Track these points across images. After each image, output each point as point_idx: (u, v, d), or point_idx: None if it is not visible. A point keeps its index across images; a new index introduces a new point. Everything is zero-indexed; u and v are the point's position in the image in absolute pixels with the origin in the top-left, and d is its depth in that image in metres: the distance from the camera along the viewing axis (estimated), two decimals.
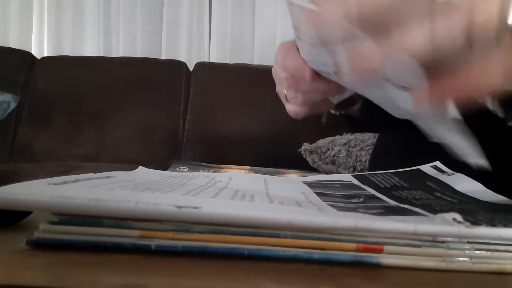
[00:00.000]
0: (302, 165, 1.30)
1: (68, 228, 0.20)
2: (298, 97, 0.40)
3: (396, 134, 0.45)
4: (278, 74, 0.42)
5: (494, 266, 0.20)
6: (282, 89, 0.42)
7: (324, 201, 0.28)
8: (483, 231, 0.19)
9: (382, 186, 0.36)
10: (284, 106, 0.43)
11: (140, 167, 0.42)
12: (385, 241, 0.20)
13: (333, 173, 1.23)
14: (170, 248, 0.20)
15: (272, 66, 0.43)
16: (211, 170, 0.84)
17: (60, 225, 0.20)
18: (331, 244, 0.20)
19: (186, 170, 0.87)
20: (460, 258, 0.20)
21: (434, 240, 0.20)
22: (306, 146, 1.36)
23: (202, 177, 0.38)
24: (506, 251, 0.20)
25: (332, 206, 0.26)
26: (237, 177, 0.40)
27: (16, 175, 1.10)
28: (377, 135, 0.66)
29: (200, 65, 1.75)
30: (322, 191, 0.34)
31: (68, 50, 1.93)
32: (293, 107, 0.42)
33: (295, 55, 0.37)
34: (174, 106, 1.66)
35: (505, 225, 0.20)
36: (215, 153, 1.56)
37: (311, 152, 1.34)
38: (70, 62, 1.72)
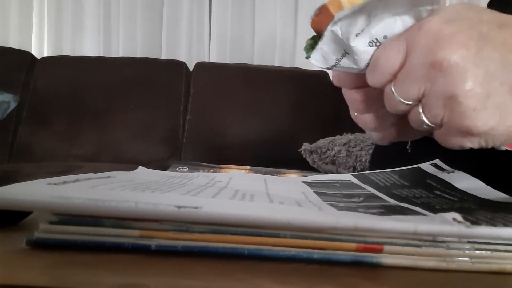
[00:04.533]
0: (302, 165, 1.30)
1: (68, 228, 0.20)
2: (368, 120, 0.32)
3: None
4: (344, 92, 0.33)
5: (494, 266, 0.20)
6: (352, 112, 0.34)
7: (324, 201, 0.28)
8: (483, 231, 0.19)
9: (382, 185, 0.36)
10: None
11: (140, 167, 0.42)
12: (385, 241, 0.20)
13: (333, 173, 1.23)
14: (170, 248, 0.20)
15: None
16: (211, 170, 0.84)
17: (60, 225, 0.20)
18: (331, 244, 0.20)
19: (186, 170, 0.87)
20: (460, 258, 0.20)
21: (434, 240, 0.20)
22: (306, 146, 1.36)
23: (202, 177, 0.38)
24: (506, 251, 0.20)
25: (332, 205, 0.26)
26: (237, 177, 0.40)
27: (16, 175, 1.10)
28: None
29: (200, 65, 1.74)
30: (322, 190, 0.34)
31: (68, 50, 1.92)
32: (375, 134, 0.33)
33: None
34: (174, 106, 1.66)
35: (505, 225, 0.20)
36: (215, 153, 1.56)
37: (311, 152, 1.33)
38: (70, 62, 1.72)
